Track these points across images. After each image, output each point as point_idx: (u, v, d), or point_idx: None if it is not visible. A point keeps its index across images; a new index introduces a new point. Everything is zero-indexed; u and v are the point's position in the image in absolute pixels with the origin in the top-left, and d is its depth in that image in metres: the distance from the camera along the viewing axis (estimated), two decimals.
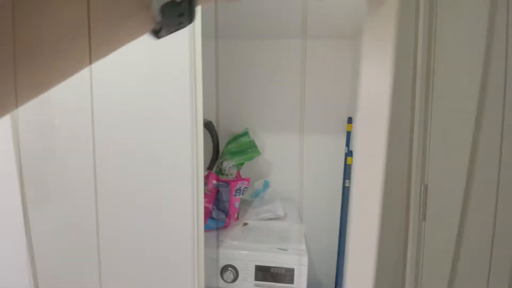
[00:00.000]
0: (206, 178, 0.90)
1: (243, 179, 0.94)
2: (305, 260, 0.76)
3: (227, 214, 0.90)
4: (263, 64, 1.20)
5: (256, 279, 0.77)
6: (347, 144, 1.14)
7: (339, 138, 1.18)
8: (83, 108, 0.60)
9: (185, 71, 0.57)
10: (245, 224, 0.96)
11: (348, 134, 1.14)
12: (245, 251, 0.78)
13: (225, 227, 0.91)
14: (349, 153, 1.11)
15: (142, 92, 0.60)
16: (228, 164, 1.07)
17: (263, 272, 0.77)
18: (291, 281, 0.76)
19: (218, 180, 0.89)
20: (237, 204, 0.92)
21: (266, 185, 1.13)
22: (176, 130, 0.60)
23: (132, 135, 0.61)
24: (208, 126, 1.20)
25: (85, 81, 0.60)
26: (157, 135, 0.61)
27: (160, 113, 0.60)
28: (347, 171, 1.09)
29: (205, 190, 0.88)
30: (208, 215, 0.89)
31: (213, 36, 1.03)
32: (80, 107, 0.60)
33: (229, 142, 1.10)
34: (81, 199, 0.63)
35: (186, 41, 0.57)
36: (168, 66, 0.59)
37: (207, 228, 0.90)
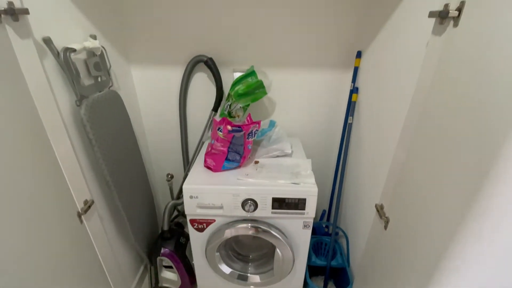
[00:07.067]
0: (221, 123, 0.91)
1: (254, 122, 0.96)
2: (315, 191, 0.88)
3: (241, 156, 0.96)
4: None
5: (273, 208, 0.90)
6: (353, 80, 1.13)
7: (346, 73, 1.16)
8: None
9: None
10: (256, 162, 1.04)
11: (356, 70, 1.12)
12: (263, 187, 0.88)
13: (239, 166, 0.99)
14: (354, 90, 1.12)
15: None
16: (236, 106, 1.06)
17: (279, 203, 0.89)
18: (303, 208, 0.89)
19: (232, 125, 0.90)
20: (250, 146, 0.96)
21: (272, 124, 1.16)
22: None
23: None
24: (208, 63, 1.11)
25: None
26: None
27: None
28: (351, 108, 1.13)
29: (221, 135, 0.90)
30: (224, 157, 0.94)
31: None
32: None
33: (235, 83, 1.05)
34: None
35: None
36: None
37: (224, 169, 0.97)
